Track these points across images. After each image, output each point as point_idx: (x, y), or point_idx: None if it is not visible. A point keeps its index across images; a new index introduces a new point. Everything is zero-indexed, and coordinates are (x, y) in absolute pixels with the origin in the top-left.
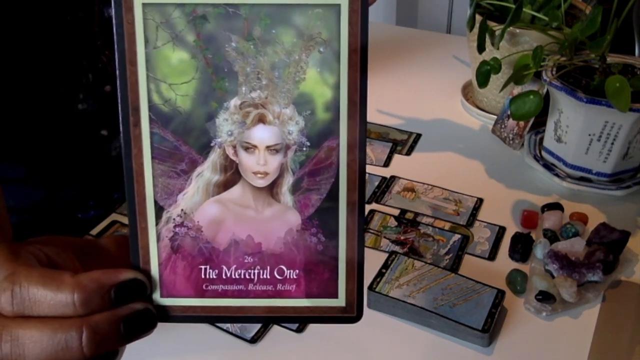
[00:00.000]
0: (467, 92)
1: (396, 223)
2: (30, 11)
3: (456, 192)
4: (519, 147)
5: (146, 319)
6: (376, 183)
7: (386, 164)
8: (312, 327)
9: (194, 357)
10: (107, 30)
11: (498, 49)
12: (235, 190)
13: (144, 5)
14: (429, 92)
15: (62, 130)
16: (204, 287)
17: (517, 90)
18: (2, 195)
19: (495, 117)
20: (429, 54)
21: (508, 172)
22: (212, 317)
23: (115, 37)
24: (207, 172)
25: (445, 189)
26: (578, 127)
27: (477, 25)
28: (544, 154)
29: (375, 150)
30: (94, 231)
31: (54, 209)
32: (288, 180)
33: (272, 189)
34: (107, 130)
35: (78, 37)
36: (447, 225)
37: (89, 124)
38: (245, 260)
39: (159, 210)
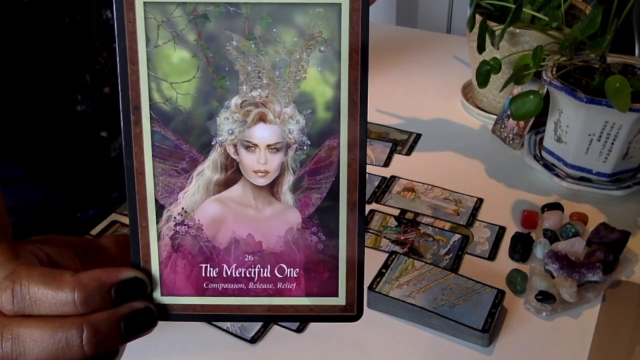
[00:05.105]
0: (467, 92)
1: (396, 223)
2: (28, 13)
3: (456, 192)
4: (519, 147)
5: (146, 318)
6: (376, 183)
7: (386, 164)
8: (312, 327)
9: (194, 357)
10: (105, 32)
11: (498, 49)
12: (236, 189)
13: (145, 4)
14: (429, 92)
15: (62, 131)
16: (204, 285)
17: (517, 90)
18: (2, 195)
19: (495, 117)
20: (429, 54)
21: (508, 172)
22: (213, 316)
23: (116, 35)
24: (207, 170)
25: (445, 189)
26: (578, 127)
27: (477, 25)
28: (544, 154)
29: (375, 150)
30: (94, 231)
31: (54, 209)
32: (288, 179)
33: (272, 188)
34: (106, 131)
35: (76, 39)
36: (447, 225)
37: (88, 126)
38: (246, 259)
39: (160, 208)
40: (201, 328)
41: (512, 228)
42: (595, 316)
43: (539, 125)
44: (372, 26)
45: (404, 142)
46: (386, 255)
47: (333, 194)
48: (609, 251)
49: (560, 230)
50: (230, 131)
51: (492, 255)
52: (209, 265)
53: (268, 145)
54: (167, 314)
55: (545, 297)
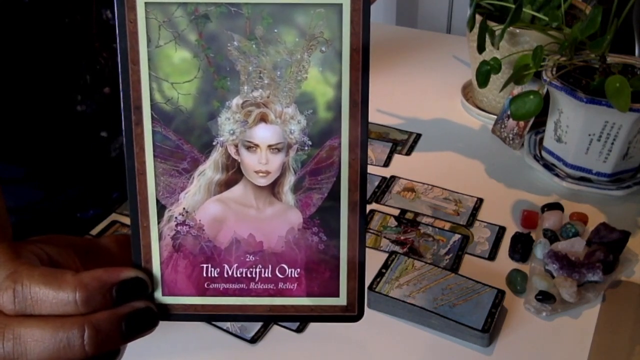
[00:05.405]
0: (467, 92)
1: (396, 223)
2: (29, 14)
3: (456, 192)
4: (519, 147)
5: (147, 318)
6: (376, 183)
7: (386, 164)
8: (312, 327)
9: (194, 357)
10: (105, 32)
11: (498, 49)
12: (237, 189)
13: (147, 4)
14: (429, 92)
15: (62, 131)
16: (205, 285)
17: (517, 90)
18: (2, 195)
19: (495, 117)
20: (429, 54)
21: (508, 172)
22: (214, 316)
23: (117, 36)
24: (209, 170)
25: (445, 189)
26: (578, 127)
27: (477, 25)
28: (544, 154)
29: (375, 150)
30: (94, 231)
31: (54, 209)
32: (290, 179)
33: (273, 188)
34: (106, 131)
35: (76, 39)
36: (447, 225)
37: (88, 126)
38: (247, 259)
39: (161, 208)
40: (201, 328)
41: (512, 228)
42: (595, 316)
43: (539, 125)
44: (372, 26)
45: (404, 142)
46: (386, 255)
47: (334, 194)
48: (609, 251)
49: (560, 230)
50: (231, 131)
51: (492, 255)
52: (210, 265)
53: (269, 146)
54: (168, 313)
55: (545, 297)
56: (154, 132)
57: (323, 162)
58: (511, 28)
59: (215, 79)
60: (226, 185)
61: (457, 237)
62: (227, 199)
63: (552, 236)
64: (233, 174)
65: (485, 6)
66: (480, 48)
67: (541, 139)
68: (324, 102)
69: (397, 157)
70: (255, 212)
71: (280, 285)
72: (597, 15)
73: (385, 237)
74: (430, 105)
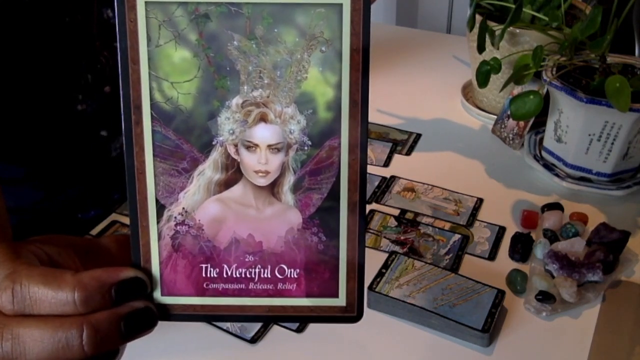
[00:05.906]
0: (467, 92)
1: (396, 223)
2: (29, 13)
3: (456, 192)
4: (519, 147)
5: (147, 318)
6: (376, 183)
7: (386, 164)
8: (312, 327)
9: (194, 357)
10: (106, 31)
11: (498, 49)
12: (237, 189)
13: (147, 3)
14: (429, 92)
15: (62, 131)
16: (204, 285)
17: (517, 90)
18: (2, 195)
19: (495, 117)
20: (429, 54)
21: (508, 172)
22: (213, 316)
23: (117, 35)
24: (208, 170)
25: (445, 189)
26: (578, 127)
27: (477, 25)
28: (544, 154)
29: (375, 150)
30: (94, 231)
31: (54, 209)
32: (289, 179)
33: (273, 188)
34: (106, 131)
35: (77, 39)
36: (447, 225)
37: (88, 125)
38: (246, 259)
39: (160, 208)
40: (201, 328)
41: (512, 228)
42: (595, 316)
43: (539, 125)
44: (372, 26)
45: (404, 142)
46: (386, 255)
47: (334, 195)
48: (609, 251)
49: (560, 230)
50: (231, 131)
51: (492, 255)
52: (209, 266)
53: (269, 145)
54: (168, 313)
55: (545, 297)
56: (153, 132)
57: (323, 162)
58: (511, 28)
59: (215, 79)
60: (226, 185)
61: (457, 237)
62: (226, 199)
63: (552, 236)
64: (232, 173)
65: (485, 6)
66: (480, 48)
67: (541, 139)
68: (324, 102)
69: (397, 157)
70: (254, 212)
71: (280, 285)
72: (597, 15)
73: (385, 237)
74: (430, 105)
